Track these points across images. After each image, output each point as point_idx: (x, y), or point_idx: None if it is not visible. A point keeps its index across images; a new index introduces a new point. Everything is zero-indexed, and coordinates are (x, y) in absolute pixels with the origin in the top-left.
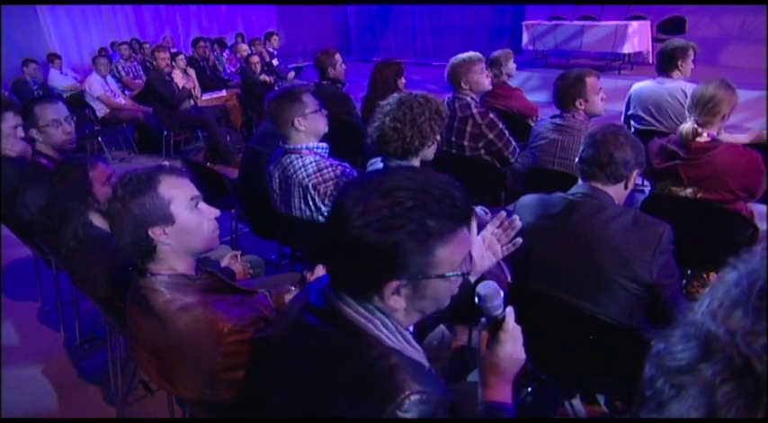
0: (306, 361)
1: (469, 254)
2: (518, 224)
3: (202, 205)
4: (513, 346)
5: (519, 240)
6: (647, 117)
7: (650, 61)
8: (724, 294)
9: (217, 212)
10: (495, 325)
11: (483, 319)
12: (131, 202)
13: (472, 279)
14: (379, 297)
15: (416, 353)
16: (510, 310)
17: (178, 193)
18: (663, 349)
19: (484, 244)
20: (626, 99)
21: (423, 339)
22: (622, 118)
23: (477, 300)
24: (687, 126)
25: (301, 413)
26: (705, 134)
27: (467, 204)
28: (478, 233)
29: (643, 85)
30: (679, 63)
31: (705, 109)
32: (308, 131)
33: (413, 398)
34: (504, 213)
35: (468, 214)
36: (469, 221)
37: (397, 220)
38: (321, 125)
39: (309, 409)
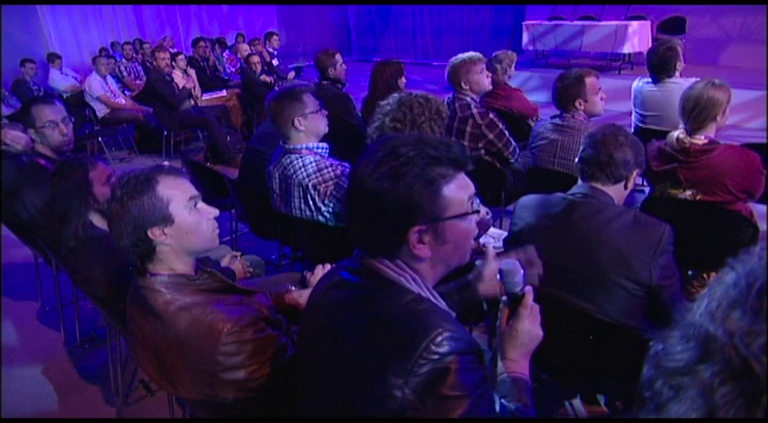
0: (343, 311)
1: (475, 196)
2: (531, 251)
3: (201, 205)
4: (531, 321)
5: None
6: (649, 116)
7: None
8: (722, 295)
9: (216, 212)
10: (516, 301)
11: (503, 297)
12: (130, 203)
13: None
14: (407, 247)
15: (444, 306)
16: (529, 288)
17: (176, 194)
18: (661, 350)
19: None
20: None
21: None
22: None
23: (499, 276)
24: (675, 134)
25: (340, 360)
26: (702, 137)
27: (462, 151)
28: (479, 235)
29: (645, 84)
30: (676, 64)
31: (691, 116)
32: (309, 131)
33: (446, 334)
34: (496, 232)
35: (464, 160)
36: (466, 167)
37: (404, 167)
38: (321, 125)
39: (348, 355)
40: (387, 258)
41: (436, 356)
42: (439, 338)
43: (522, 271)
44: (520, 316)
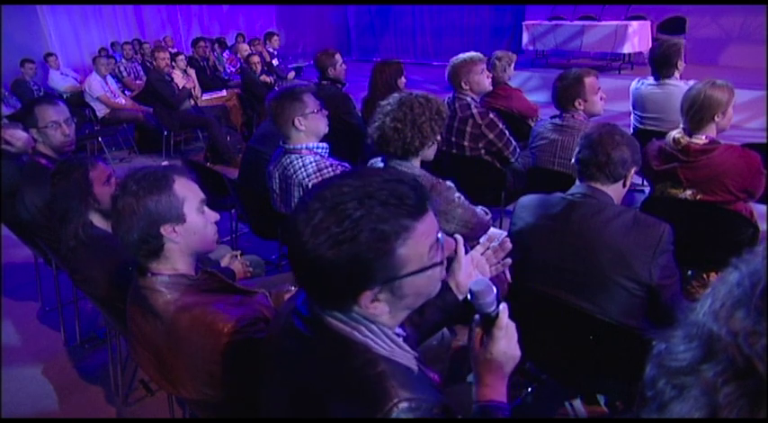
0: (296, 367)
1: (438, 240)
2: (508, 246)
3: (206, 209)
4: (507, 342)
5: (508, 261)
6: (648, 117)
7: None
8: (726, 295)
9: (218, 217)
10: (489, 322)
11: (476, 316)
12: (147, 197)
13: (459, 297)
14: (359, 307)
15: (406, 356)
16: (504, 306)
17: (190, 195)
18: (664, 349)
19: (472, 263)
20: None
21: (423, 342)
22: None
23: (469, 296)
24: (672, 134)
25: (294, 417)
26: (703, 137)
27: (418, 196)
28: (479, 235)
29: (644, 85)
30: (677, 63)
31: (689, 116)
32: (309, 131)
33: (401, 405)
34: (496, 232)
35: (422, 204)
36: (426, 210)
37: (346, 233)
38: (322, 125)
39: (301, 414)
40: (339, 311)
41: None
42: (394, 412)
43: (494, 289)
44: (494, 338)
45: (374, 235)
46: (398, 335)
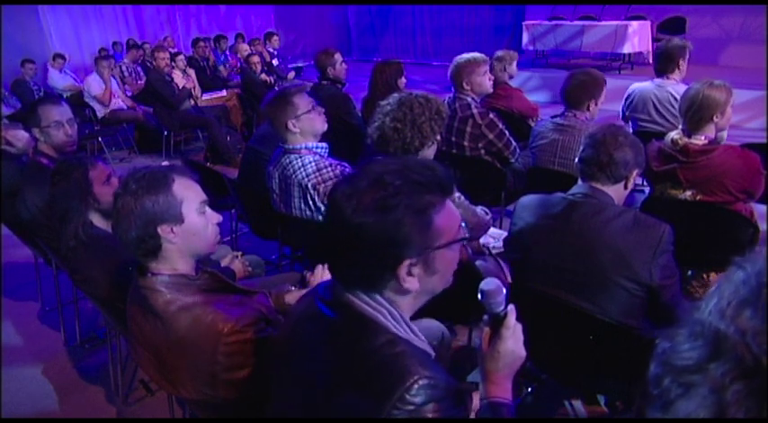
0: (316, 349)
1: (461, 224)
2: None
3: (208, 210)
4: (514, 342)
5: None
6: (647, 119)
7: (650, 61)
8: (732, 294)
9: (220, 218)
10: (497, 322)
11: (485, 316)
12: (145, 197)
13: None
14: (396, 281)
15: (422, 343)
16: (512, 307)
17: (190, 195)
18: (669, 348)
19: None
20: (625, 97)
21: None
22: (620, 116)
23: (479, 296)
24: (671, 135)
25: (310, 402)
26: (703, 137)
27: (447, 175)
28: (479, 235)
29: (643, 87)
30: (679, 62)
31: (687, 117)
32: (304, 132)
33: (421, 382)
34: (496, 232)
35: (450, 184)
36: (452, 193)
37: (391, 199)
38: (317, 124)
39: (318, 396)
40: (364, 292)
41: (411, 407)
42: (415, 387)
43: (504, 290)
44: (502, 337)
45: (414, 201)
46: None
